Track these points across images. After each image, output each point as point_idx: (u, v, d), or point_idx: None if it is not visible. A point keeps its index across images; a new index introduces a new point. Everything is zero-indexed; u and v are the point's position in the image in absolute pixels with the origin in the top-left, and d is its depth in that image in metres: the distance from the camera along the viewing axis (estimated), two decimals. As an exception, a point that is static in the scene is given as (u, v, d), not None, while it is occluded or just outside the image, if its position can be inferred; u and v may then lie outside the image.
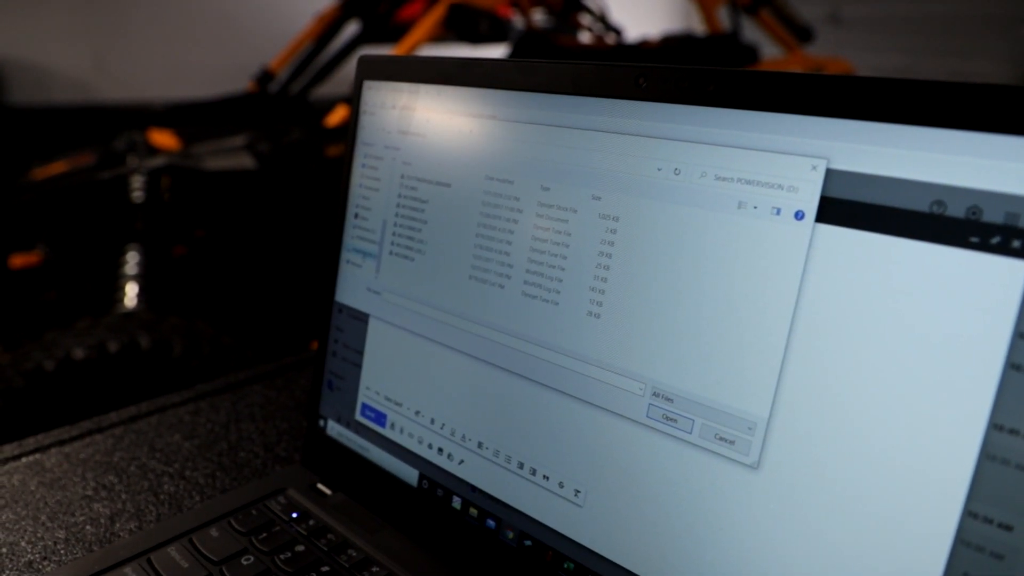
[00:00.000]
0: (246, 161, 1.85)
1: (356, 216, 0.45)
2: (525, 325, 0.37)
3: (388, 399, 0.44)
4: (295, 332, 2.08)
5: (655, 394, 0.33)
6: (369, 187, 0.45)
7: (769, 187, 0.31)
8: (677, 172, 0.33)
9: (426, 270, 0.42)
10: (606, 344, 0.35)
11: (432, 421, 0.41)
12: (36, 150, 2.55)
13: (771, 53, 2.44)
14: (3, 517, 0.47)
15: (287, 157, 1.88)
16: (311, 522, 0.44)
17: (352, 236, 0.46)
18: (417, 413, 0.42)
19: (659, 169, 0.34)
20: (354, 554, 0.42)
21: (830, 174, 0.29)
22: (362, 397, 0.45)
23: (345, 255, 0.46)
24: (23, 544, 0.45)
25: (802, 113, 0.30)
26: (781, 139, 0.31)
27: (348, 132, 0.46)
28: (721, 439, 0.32)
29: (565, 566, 0.36)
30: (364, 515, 0.44)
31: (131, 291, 1.94)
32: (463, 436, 0.40)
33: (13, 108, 3.22)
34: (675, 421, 0.33)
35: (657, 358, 0.33)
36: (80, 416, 0.57)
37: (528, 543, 0.38)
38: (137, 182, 1.96)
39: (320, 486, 0.47)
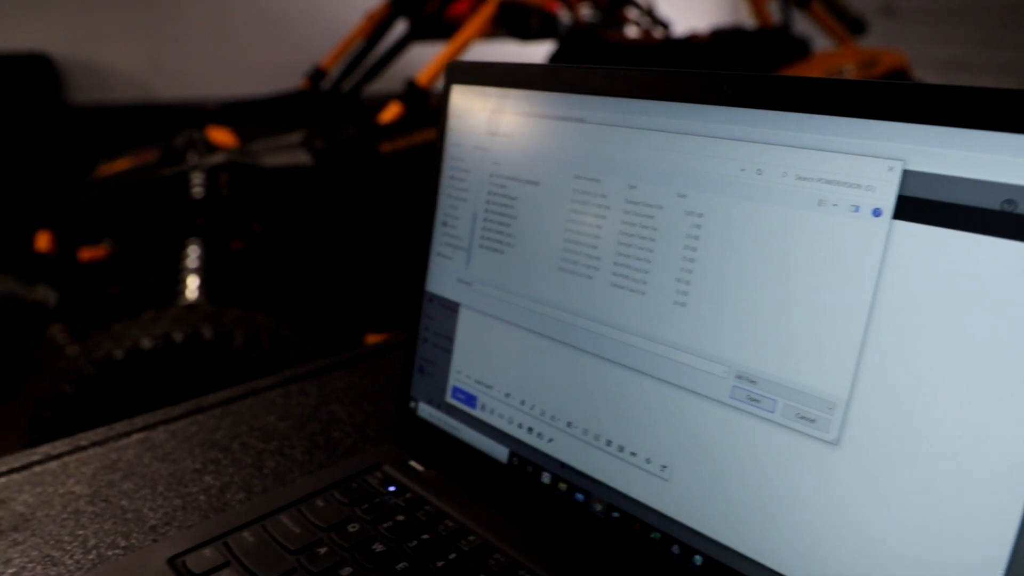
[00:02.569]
0: (302, 157, 1.90)
1: (446, 212, 0.49)
2: (613, 313, 0.40)
3: (479, 382, 0.47)
4: (350, 325, 2.13)
5: (739, 376, 0.36)
6: (458, 186, 0.48)
7: (848, 186, 0.33)
8: (759, 172, 0.36)
9: (516, 262, 0.45)
10: (692, 331, 0.38)
11: (522, 403, 0.45)
12: (96, 147, 2.64)
13: (823, 46, 2.43)
14: (124, 486, 0.51)
15: (342, 153, 1.92)
16: (408, 495, 0.48)
17: (442, 231, 0.49)
18: (507, 395, 0.46)
19: (742, 169, 0.37)
20: (450, 524, 0.45)
21: (906, 175, 0.32)
22: (453, 380, 0.49)
23: (435, 248, 0.50)
24: (145, 511, 0.49)
25: (880, 118, 0.33)
26: (859, 142, 0.33)
27: (437, 134, 0.49)
28: (802, 418, 0.35)
29: (652, 536, 0.39)
30: (456, 490, 0.48)
31: (192, 284, 2.00)
32: (552, 416, 0.43)
33: (74, 107, 3.32)
34: (758, 402, 0.36)
35: (741, 343, 0.36)
36: (148, 404, 0.61)
37: (616, 515, 0.41)
38: (197, 178, 2.02)
39: (412, 463, 0.51)
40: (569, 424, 0.43)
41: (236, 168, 1.99)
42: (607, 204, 0.41)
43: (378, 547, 0.43)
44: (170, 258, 2.06)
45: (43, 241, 2.19)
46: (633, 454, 0.40)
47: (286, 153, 1.91)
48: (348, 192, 1.95)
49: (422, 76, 1.99)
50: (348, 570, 0.41)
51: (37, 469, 0.54)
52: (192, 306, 1.77)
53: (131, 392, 1.60)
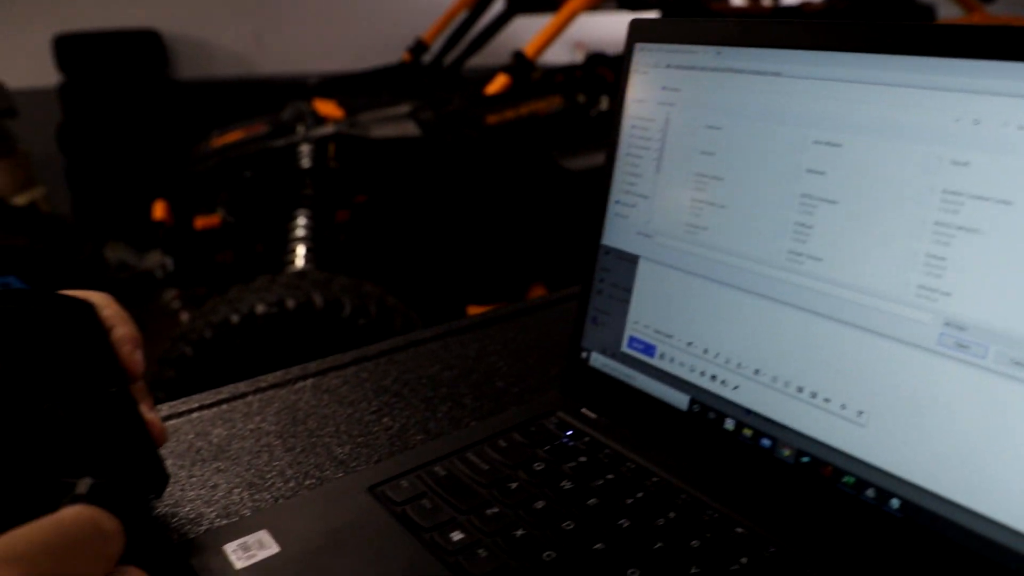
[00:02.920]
0: (410, 129, 1.94)
1: (627, 166, 0.50)
2: (812, 264, 0.41)
3: (658, 332, 0.48)
4: (452, 296, 2.17)
5: (947, 324, 0.37)
6: (641, 141, 0.49)
7: (1080, 132, 0.33)
8: (976, 123, 0.36)
9: (702, 214, 0.46)
10: (898, 279, 0.38)
11: (705, 351, 0.46)
12: (202, 121, 2.74)
13: (948, 14, 2.33)
14: (308, 424, 0.55)
15: (449, 125, 1.95)
16: (586, 439, 0.49)
17: (622, 186, 0.50)
18: (689, 344, 0.47)
19: (957, 120, 0.37)
20: (631, 466, 0.47)
21: None
22: (629, 331, 0.50)
23: (613, 203, 0.51)
24: (333, 447, 0.52)
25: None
26: (1094, 87, 0.33)
27: (617, 91, 0.50)
28: (1016, 363, 0.35)
29: (844, 480, 0.40)
30: (631, 436, 0.49)
31: (300, 252, 2.06)
32: (738, 364, 0.44)
33: (181, 81, 3.45)
34: (968, 348, 0.36)
35: (952, 290, 0.36)
36: (259, 369, 0.63)
37: (805, 460, 0.42)
38: (306, 149, 2.08)
39: (584, 411, 0.52)
40: (757, 372, 0.44)
41: (344, 139, 2.04)
42: (803, 155, 0.41)
43: (566, 484, 0.45)
44: (278, 227, 2.12)
45: (159, 210, 2.29)
46: (827, 400, 0.41)
47: (394, 124, 1.95)
48: (454, 164, 1.98)
49: (530, 48, 2.00)
50: (541, 503, 0.44)
51: (225, 407, 0.58)
52: (302, 273, 1.83)
53: (243, 356, 1.67)
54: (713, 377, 0.46)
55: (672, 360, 0.48)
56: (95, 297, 0.45)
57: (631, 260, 0.50)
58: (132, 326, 0.45)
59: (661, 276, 0.48)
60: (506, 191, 2.01)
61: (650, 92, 0.49)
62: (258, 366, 0.62)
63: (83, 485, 0.35)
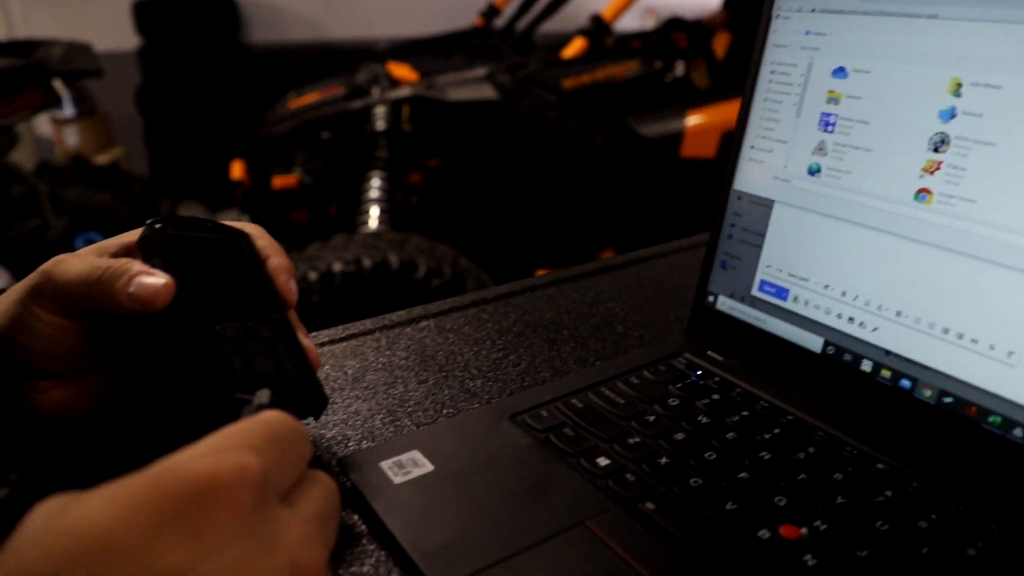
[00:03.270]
0: (487, 92, 1.95)
1: (765, 112, 0.50)
2: (959, 204, 0.41)
3: (792, 275, 0.49)
4: (522, 259, 2.19)
5: (1111, 265, 0.37)
6: (780, 89, 0.50)
7: None
8: None
9: (846, 158, 0.46)
10: (1060, 219, 0.38)
11: (843, 294, 0.47)
12: (275, 84, 2.78)
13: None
14: (438, 359, 0.57)
15: (526, 89, 1.96)
16: (716, 379, 0.51)
17: (758, 132, 0.51)
18: (826, 287, 0.47)
19: None
20: (765, 404, 0.48)
21: None
22: (761, 274, 0.51)
23: (748, 149, 0.52)
24: (465, 380, 0.54)
25: None
26: None
27: (757, 36, 0.51)
28: None
29: (990, 420, 0.41)
30: (761, 377, 0.50)
31: (374, 213, 2.09)
32: (879, 306, 0.45)
33: (253, 45, 3.50)
34: None
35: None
36: (335, 325, 0.64)
37: (948, 400, 0.42)
38: (380, 112, 2.10)
39: (710, 353, 0.53)
40: (898, 313, 0.44)
41: (420, 102, 2.05)
42: (959, 98, 0.41)
43: (703, 419, 0.46)
44: (353, 188, 2.15)
45: (237, 170, 2.34)
46: (974, 341, 0.41)
47: (471, 87, 1.96)
48: (529, 128, 1.99)
49: (608, 11, 1.99)
50: (681, 435, 0.45)
51: (355, 342, 0.60)
52: (378, 233, 1.87)
53: (318, 313, 1.71)
54: (851, 319, 0.46)
55: (807, 303, 0.49)
56: (250, 228, 0.48)
57: (766, 205, 0.51)
58: (286, 257, 0.47)
59: (798, 220, 0.49)
60: (578, 155, 2.01)
61: (792, 37, 0.49)
62: (331, 324, 0.64)
63: (263, 395, 0.37)
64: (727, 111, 1.94)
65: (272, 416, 0.31)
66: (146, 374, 0.45)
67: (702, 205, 2.04)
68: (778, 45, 0.50)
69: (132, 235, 0.44)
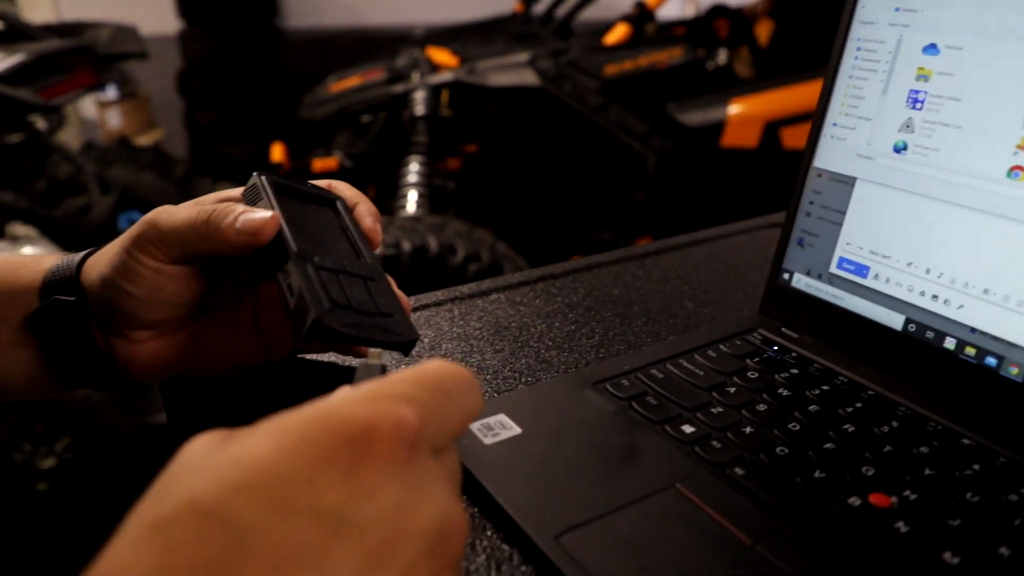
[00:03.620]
0: (529, 77, 1.95)
1: (849, 88, 0.51)
2: (1058, 181, 0.41)
3: (873, 252, 0.49)
4: (558, 245, 2.20)
5: None
6: (866, 66, 0.50)
7: None
8: None
9: (934, 135, 0.46)
10: None
11: (927, 271, 0.47)
12: (311, 69, 2.80)
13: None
14: (512, 331, 0.58)
15: (567, 74, 1.96)
16: (793, 354, 0.51)
17: (841, 108, 0.51)
18: (909, 264, 0.48)
19: None
20: (844, 380, 0.48)
21: None
22: (840, 252, 0.51)
23: (830, 126, 0.52)
24: (541, 350, 0.55)
25: None
26: None
27: (843, 12, 0.51)
28: None
29: (1080, 397, 0.41)
30: (838, 353, 0.51)
31: (412, 197, 2.10)
32: (965, 284, 0.45)
33: (289, 30, 3.52)
34: None
35: None
36: None
37: (1036, 377, 0.43)
38: (420, 96, 2.11)
39: (785, 330, 0.54)
40: (986, 291, 0.44)
41: (461, 87, 2.06)
42: (1056, 75, 0.41)
43: (783, 392, 0.47)
44: (391, 172, 2.16)
45: (277, 152, 2.36)
46: (1066, 319, 0.41)
47: (513, 72, 1.97)
48: (570, 113, 1.99)
49: (652, -1, 1.98)
50: (763, 407, 0.46)
51: (428, 312, 0.61)
52: (417, 217, 1.88)
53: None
54: (935, 297, 0.47)
55: (888, 280, 0.49)
56: (339, 185, 0.50)
57: (847, 182, 0.51)
58: (371, 203, 0.49)
59: (881, 197, 0.49)
60: (618, 142, 2.01)
61: (881, 14, 0.49)
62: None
63: (376, 354, 0.37)
64: (770, 101, 1.93)
65: (444, 366, 0.30)
66: (235, 329, 0.47)
67: (742, 195, 2.03)
68: (865, 22, 0.50)
69: (228, 192, 0.45)
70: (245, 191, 0.44)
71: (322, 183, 0.49)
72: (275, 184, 0.44)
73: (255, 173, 0.44)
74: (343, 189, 0.49)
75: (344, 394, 0.26)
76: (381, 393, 0.26)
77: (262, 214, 0.41)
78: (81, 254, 0.45)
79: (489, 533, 0.38)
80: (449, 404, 0.28)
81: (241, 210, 0.41)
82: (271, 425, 0.25)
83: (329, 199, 0.47)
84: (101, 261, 0.43)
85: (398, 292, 0.45)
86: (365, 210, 0.48)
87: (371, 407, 0.25)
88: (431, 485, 0.26)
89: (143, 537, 0.22)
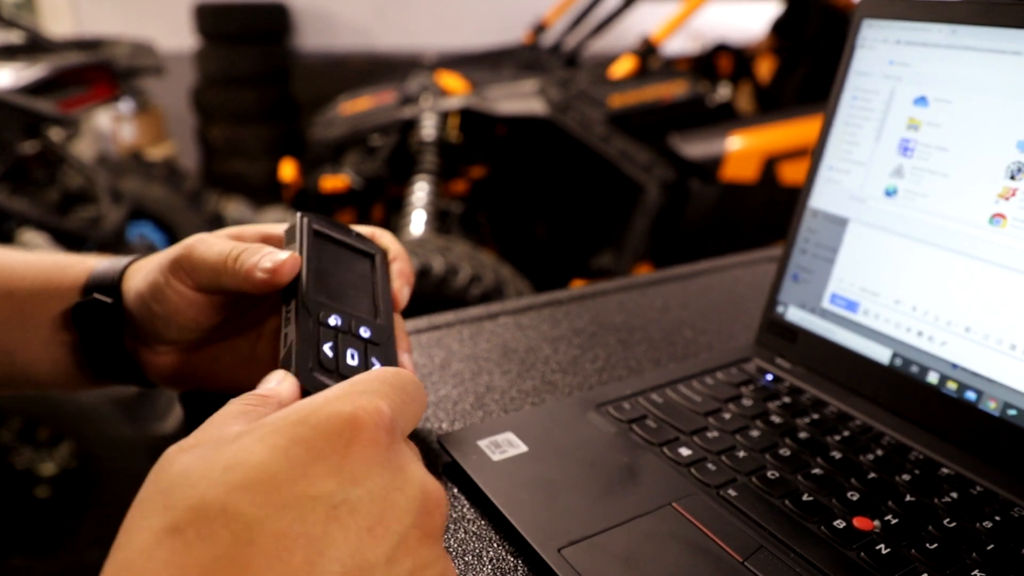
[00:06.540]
0: (537, 105, 1.99)
1: (845, 134, 0.54)
2: (1036, 229, 0.44)
3: (863, 289, 0.52)
4: (558, 270, 2.23)
5: None
6: (861, 114, 0.53)
7: None
8: None
9: (922, 182, 0.49)
10: None
11: (914, 308, 0.50)
12: (322, 89, 2.84)
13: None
14: (520, 353, 0.60)
15: (574, 103, 2.00)
16: (786, 383, 0.54)
17: (837, 153, 0.54)
18: (896, 302, 0.50)
19: None
20: (834, 409, 0.51)
21: None
22: (832, 288, 0.54)
23: (826, 169, 0.55)
24: (547, 374, 0.58)
25: None
26: None
27: (841, 63, 0.54)
28: None
29: (1054, 432, 0.44)
30: (829, 384, 0.54)
31: (418, 218, 2.13)
32: (948, 322, 0.48)
33: (303, 52, 3.57)
34: None
35: None
36: None
37: (1012, 412, 0.45)
38: (429, 121, 2.15)
39: (779, 360, 0.57)
40: (967, 329, 0.47)
41: (469, 113, 2.10)
42: (1036, 130, 0.44)
43: (776, 418, 0.50)
44: (398, 194, 2.20)
45: (287, 170, 2.39)
46: (1042, 358, 0.44)
47: (521, 100, 2.01)
48: (575, 142, 2.03)
49: (658, 34, 2.03)
50: (755, 432, 0.48)
51: (438, 333, 0.64)
52: (424, 240, 1.91)
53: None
54: (920, 333, 0.49)
55: (877, 316, 0.52)
56: (387, 240, 0.50)
57: (839, 223, 0.54)
58: (409, 263, 0.50)
59: (872, 238, 0.52)
60: (620, 172, 2.05)
61: (876, 65, 0.52)
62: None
63: None
64: (770, 136, 1.97)
65: (398, 370, 0.34)
66: (253, 358, 0.49)
67: (740, 227, 2.06)
68: (861, 73, 0.53)
69: (271, 227, 0.47)
70: (287, 230, 0.45)
71: (366, 231, 0.49)
72: (315, 228, 0.44)
73: (299, 214, 0.45)
74: (388, 242, 0.50)
75: (324, 394, 0.30)
76: (355, 391, 0.31)
77: (284, 256, 0.42)
78: (127, 260, 0.48)
79: (495, 545, 0.40)
80: (408, 399, 0.32)
81: (267, 252, 0.42)
82: (259, 430, 0.28)
83: (368, 252, 0.47)
84: (140, 272, 0.46)
85: (404, 359, 0.45)
86: (398, 271, 0.48)
87: (350, 402, 0.29)
88: (409, 465, 0.30)
89: (156, 543, 0.25)
